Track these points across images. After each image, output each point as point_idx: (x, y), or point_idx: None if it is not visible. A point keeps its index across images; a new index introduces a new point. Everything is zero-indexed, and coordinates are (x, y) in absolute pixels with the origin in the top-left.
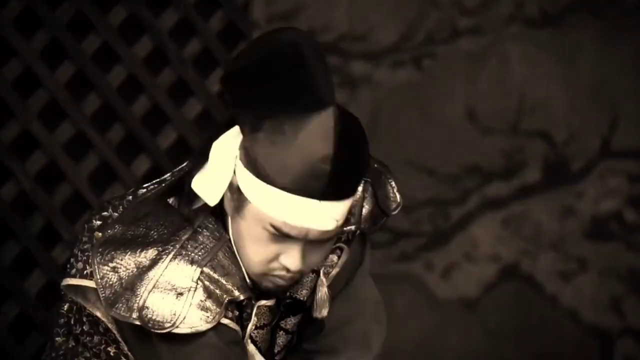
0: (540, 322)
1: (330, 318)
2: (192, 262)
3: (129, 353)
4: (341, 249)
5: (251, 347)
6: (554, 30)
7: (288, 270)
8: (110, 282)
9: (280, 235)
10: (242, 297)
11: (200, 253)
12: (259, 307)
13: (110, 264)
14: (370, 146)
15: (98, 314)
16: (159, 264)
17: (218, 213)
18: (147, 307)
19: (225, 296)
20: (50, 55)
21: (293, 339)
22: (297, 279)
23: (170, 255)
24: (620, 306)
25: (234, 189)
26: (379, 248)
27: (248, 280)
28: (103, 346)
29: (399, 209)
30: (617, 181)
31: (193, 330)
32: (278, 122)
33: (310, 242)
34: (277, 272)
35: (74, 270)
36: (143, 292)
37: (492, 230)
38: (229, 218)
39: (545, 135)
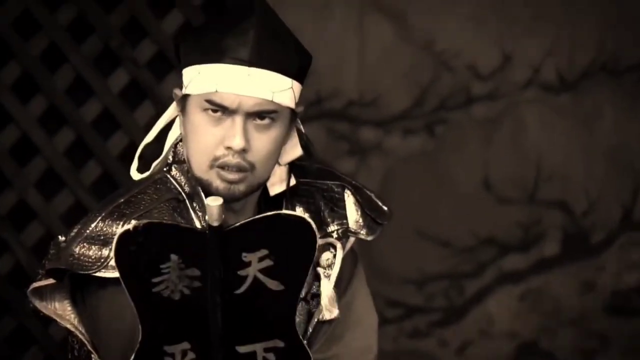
0: None
1: (335, 326)
2: (120, 217)
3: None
4: (334, 246)
5: None
6: (572, 95)
7: (232, 149)
8: (57, 256)
9: (218, 113)
10: None
11: (131, 210)
12: None
13: (62, 245)
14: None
15: (68, 326)
16: (92, 222)
17: (177, 177)
18: (74, 255)
19: None
20: (48, 121)
21: None
22: (244, 168)
23: (102, 215)
24: None
25: (179, 102)
26: (390, 323)
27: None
28: None
29: (390, 217)
30: (639, 254)
31: (115, 274)
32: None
33: (250, 120)
34: (222, 159)
35: (38, 277)
36: (73, 246)
37: (509, 306)
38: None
39: (564, 205)
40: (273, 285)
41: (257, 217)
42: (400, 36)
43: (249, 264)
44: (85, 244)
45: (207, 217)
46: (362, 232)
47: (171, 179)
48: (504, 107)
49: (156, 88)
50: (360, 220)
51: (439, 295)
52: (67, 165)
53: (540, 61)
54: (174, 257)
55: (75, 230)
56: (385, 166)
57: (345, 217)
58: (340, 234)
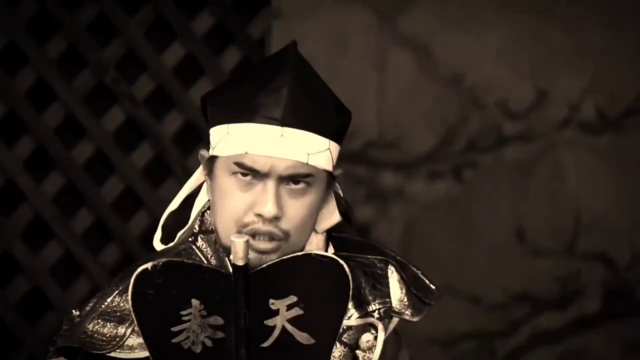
0: None
1: None
2: None
3: None
4: (375, 327)
5: None
6: (614, 135)
7: (262, 217)
8: (70, 332)
9: (248, 177)
10: None
11: None
12: None
13: (76, 321)
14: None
15: None
16: (108, 297)
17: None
18: (87, 333)
19: None
20: (35, 164)
21: None
22: (277, 237)
23: (120, 289)
24: None
25: (205, 164)
26: None
27: None
28: None
29: (439, 298)
30: None
31: (131, 355)
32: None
33: (284, 184)
34: (252, 226)
35: (48, 354)
36: (87, 322)
37: None
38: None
39: (605, 258)
40: (303, 338)
41: (284, 257)
42: (424, 71)
43: (276, 313)
44: (99, 320)
45: (231, 256)
46: (406, 312)
47: (196, 251)
48: (538, 149)
49: (155, 127)
50: (405, 300)
51: (468, 356)
52: (56, 214)
53: (579, 98)
54: (195, 302)
55: (90, 305)
56: (407, 214)
57: (389, 296)
58: (382, 314)
